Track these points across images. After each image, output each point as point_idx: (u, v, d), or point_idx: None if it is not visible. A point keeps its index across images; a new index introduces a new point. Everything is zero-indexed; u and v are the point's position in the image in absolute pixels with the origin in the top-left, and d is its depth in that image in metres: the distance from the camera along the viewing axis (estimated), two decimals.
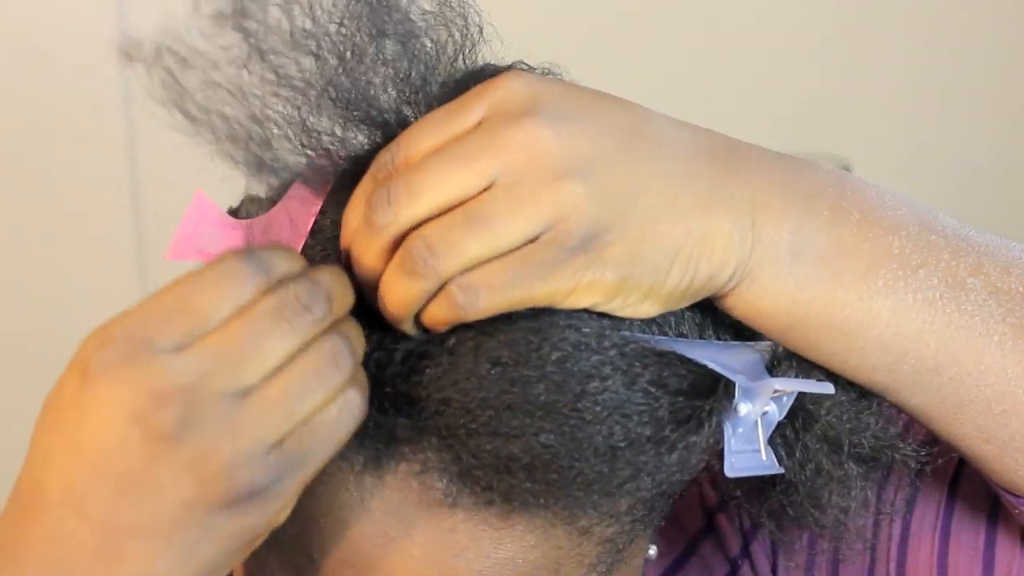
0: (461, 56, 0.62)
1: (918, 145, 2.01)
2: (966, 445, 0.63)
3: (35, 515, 0.53)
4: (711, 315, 0.63)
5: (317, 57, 0.57)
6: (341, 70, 0.58)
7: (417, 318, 0.58)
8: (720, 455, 0.62)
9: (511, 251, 0.55)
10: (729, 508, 0.78)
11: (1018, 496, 0.64)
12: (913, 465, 0.66)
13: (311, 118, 0.58)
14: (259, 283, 0.54)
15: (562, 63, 0.67)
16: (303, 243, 0.61)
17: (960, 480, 0.71)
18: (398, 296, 0.56)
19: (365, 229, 0.56)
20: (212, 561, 0.54)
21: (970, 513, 0.70)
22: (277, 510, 0.54)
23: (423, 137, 0.57)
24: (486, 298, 0.55)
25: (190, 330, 0.53)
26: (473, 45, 0.62)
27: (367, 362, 0.58)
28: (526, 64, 0.66)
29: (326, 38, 0.57)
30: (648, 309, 0.59)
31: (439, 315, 0.56)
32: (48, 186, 1.84)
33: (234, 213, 0.63)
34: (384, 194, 0.55)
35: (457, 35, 0.61)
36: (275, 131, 0.58)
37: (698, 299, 0.60)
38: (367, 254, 0.57)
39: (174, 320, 0.53)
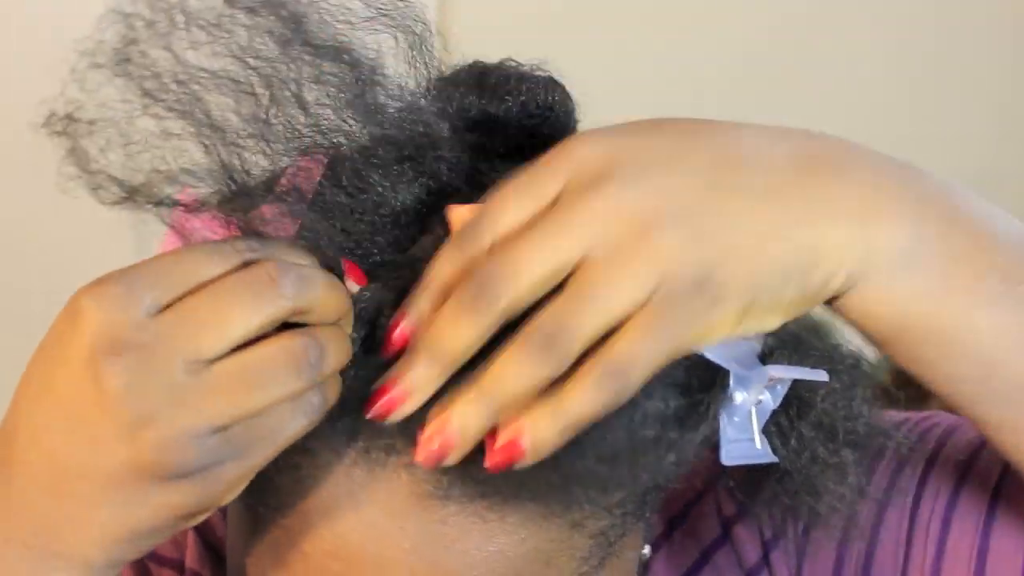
0: (417, 54, 0.61)
1: (918, 145, 2.00)
2: None
3: (6, 443, 0.56)
4: None
5: (236, 94, 0.56)
6: (265, 103, 0.56)
7: None
8: (715, 446, 0.62)
9: (631, 319, 0.55)
10: (748, 518, 0.78)
11: None
12: (904, 451, 0.66)
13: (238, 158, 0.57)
14: (247, 259, 0.54)
15: (559, 60, 0.66)
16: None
17: (1000, 494, 0.70)
18: (522, 383, 0.55)
19: (462, 309, 0.55)
20: (148, 526, 0.55)
21: (1012, 530, 0.70)
22: (216, 493, 0.55)
23: (507, 210, 0.56)
24: (636, 375, 0.55)
25: (168, 292, 0.53)
26: (423, 43, 0.61)
27: (355, 362, 0.58)
28: (515, 61, 0.66)
29: (243, 71, 0.56)
30: (772, 323, 0.58)
31: (588, 404, 0.55)
32: (48, 186, 1.84)
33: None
34: (485, 277, 0.55)
35: (402, 37, 0.60)
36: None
37: (816, 304, 0.59)
38: (462, 335, 0.55)
39: (159, 281, 0.53)
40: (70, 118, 0.55)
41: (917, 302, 0.58)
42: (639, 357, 0.55)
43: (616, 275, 0.54)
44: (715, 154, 0.57)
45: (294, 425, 0.55)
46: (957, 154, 2.02)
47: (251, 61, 0.56)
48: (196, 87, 0.55)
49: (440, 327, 0.56)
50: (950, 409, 0.63)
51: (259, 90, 0.56)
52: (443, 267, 0.57)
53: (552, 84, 0.67)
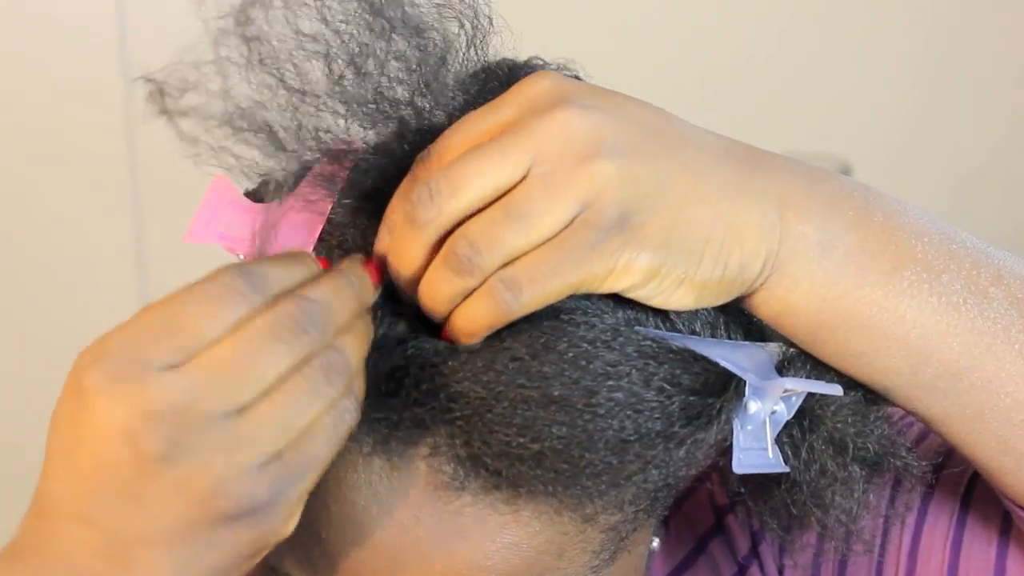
0: (473, 47, 0.63)
1: (918, 146, 2.01)
2: (983, 456, 0.63)
3: (48, 524, 0.54)
4: (723, 314, 0.64)
5: (326, 58, 0.58)
6: (351, 71, 0.58)
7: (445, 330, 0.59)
8: (728, 452, 0.63)
9: (550, 240, 0.56)
10: (738, 509, 0.78)
11: None
12: (916, 473, 0.66)
13: (317, 120, 0.59)
14: (254, 302, 0.54)
15: (580, 59, 0.67)
16: (319, 232, 0.62)
17: (974, 492, 0.71)
18: (442, 293, 0.57)
19: (408, 226, 0.57)
20: (219, 569, 0.54)
21: (982, 526, 0.70)
22: (281, 520, 0.54)
23: (459, 136, 0.58)
24: (529, 292, 0.56)
25: (183, 348, 0.52)
26: (484, 36, 0.63)
27: (378, 347, 0.59)
28: (541, 60, 0.67)
29: (336, 38, 0.58)
30: (682, 298, 0.59)
31: (482, 313, 0.57)
32: (48, 186, 1.84)
33: (252, 196, 0.63)
34: (426, 190, 0.56)
35: (468, 26, 0.62)
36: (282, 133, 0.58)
37: (732, 296, 0.60)
38: (410, 251, 0.57)
39: (167, 338, 0.52)
40: (163, 89, 0.56)
41: (834, 291, 0.60)
42: (538, 275, 0.56)
43: (546, 197, 0.56)
44: (654, 120, 0.59)
45: (338, 432, 0.55)
46: (958, 154, 2.03)
47: (341, 28, 0.58)
48: (290, 51, 0.57)
49: (393, 246, 0.58)
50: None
51: (343, 57, 0.58)
52: (397, 198, 0.59)
53: None
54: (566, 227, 0.56)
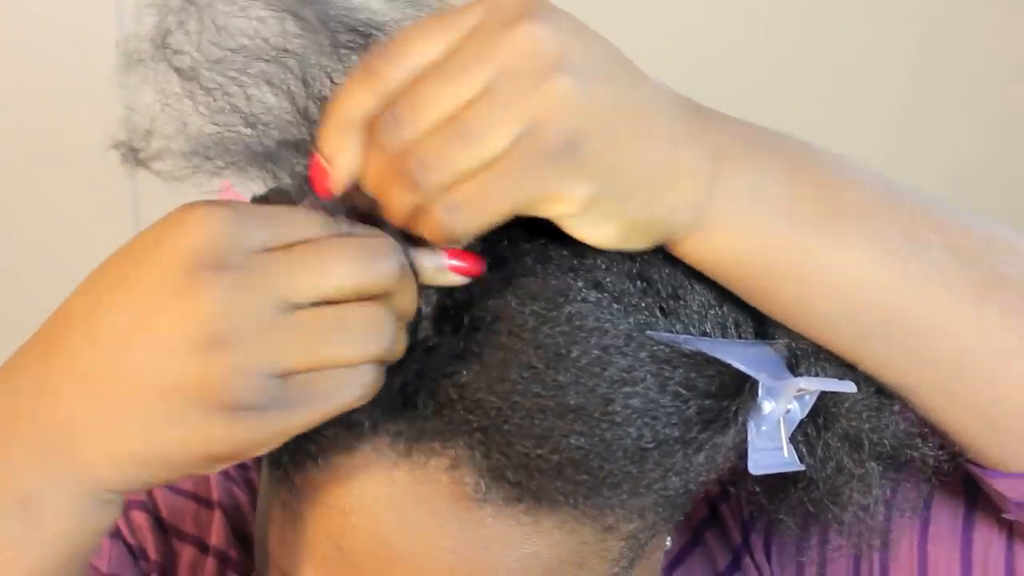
0: None
1: (915, 148, 2.01)
2: (941, 417, 0.63)
3: (58, 326, 0.55)
4: (731, 312, 0.64)
5: (277, 79, 0.58)
6: (300, 88, 0.58)
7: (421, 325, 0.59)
8: (743, 454, 0.63)
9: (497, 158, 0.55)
10: (731, 498, 0.79)
11: (990, 471, 0.64)
12: (932, 463, 0.66)
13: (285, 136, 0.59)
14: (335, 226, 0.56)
15: None
16: None
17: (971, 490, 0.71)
18: (395, 207, 0.56)
19: (374, 151, 0.56)
20: (174, 455, 0.54)
21: (949, 500, 0.71)
22: (251, 441, 0.54)
23: (420, 41, 0.56)
24: (466, 215, 0.55)
25: (278, 237, 0.54)
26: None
27: (399, 362, 0.59)
28: None
29: (280, 58, 0.58)
30: (608, 232, 0.59)
31: (431, 232, 0.56)
32: (48, 186, 1.84)
33: (262, 202, 0.64)
34: (390, 118, 0.55)
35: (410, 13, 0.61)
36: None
37: (657, 241, 0.60)
38: (377, 172, 0.57)
39: (273, 222, 0.54)
40: (131, 146, 0.57)
41: (766, 241, 0.60)
42: (479, 197, 0.55)
43: (499, 111, 0.55)
44: (620, 59, 0.58)
45: (349, 393, 0.55)
46: (957, 155, 2.03)
47: (279, 43, 0.58)
48: (233, 73, 0.57)
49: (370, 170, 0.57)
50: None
51: (292, 74, 0.58)
52: (353, 93, 0.57)
53: None
54: (508, 152, 0.55)
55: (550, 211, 0.57)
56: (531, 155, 0.55)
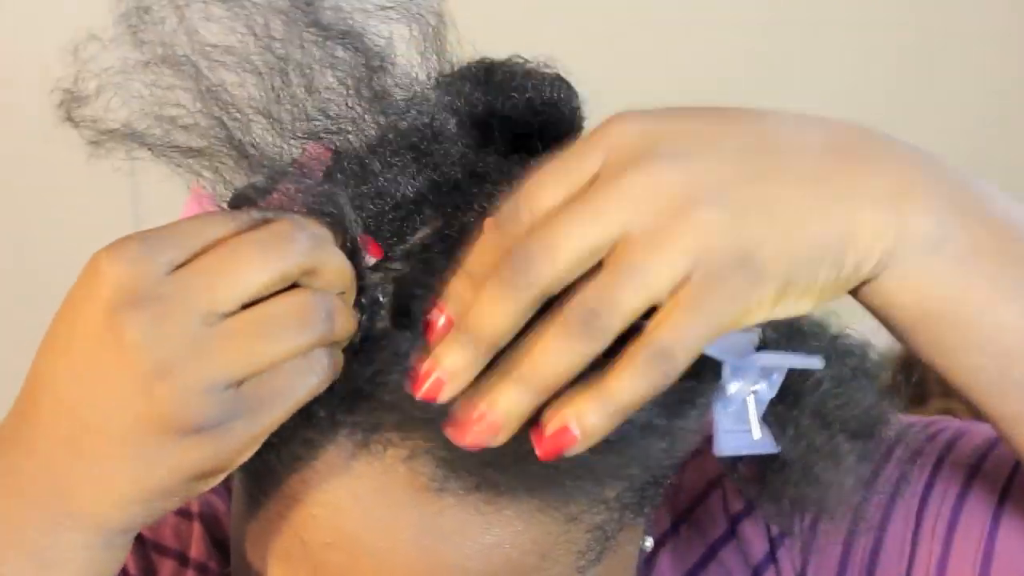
0: (431, 46, 0.61)
1: (913, 139, 2.01)
2: None
3: (29, 400, 0.56)
4: None
5: (254, 71, 0.58)
6: (279, 89, 0.58)
7: None
8: (711, 439, 0.62)
9: (671, 296, 0.55)
10: (755, 515, 0.78)
11: None
12: (912, 446, 0.66)
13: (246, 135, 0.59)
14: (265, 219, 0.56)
15: (561, 57, 0.66)
16: None
17: (1008, 497, 0.70)
18: (563, 363, 0.55)
19: (502, 289, 0.55)
20: (163, 486, 0.55)
21: (1020, 532, 0.70)
22: (228, 452, 0.55)
23: (545, 191, 0.56)
24: (681, 356, 0.55)
25: (185, 250, 0.54)
26: (439, 37, 0.61)
27: (355, 349, 0.58)
28: (521, 58, 0.66)
29: (257, 49, 0.58)
30: (804, 306, 0.59)
31: (642, 385, 0.55)
32: (48, 185, 1.84)
33: (233, 205, 0.63)
34: (523, 257, 0.55)
35: (416, 28, 0.61)
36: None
37: (848, 289, 0.60)
38: (503, 315, 0.56)
39: (176, 240, 0.55)
40: (72, 94, 0.57)
41: (940, 289, 0.59)
42: (684, 337, 0.55)
43: (656, 252, 0.54)
44: (751, 138, 0.58)
45: (305, 383, 0.55)
46: (958, 154, 2.02)
47: (263, 40, 0.57)
48: (204, 61, 0.57)
49: (479, 308, 0.56)
50: (958, 406, 0.63)
51: (268, 70, 0.58)
52: (482, 250, 0.57)
53: (558, 81, 0.67)
54: (684, 281, 0.55)
55: (752, 320, 0.57)
56: (712, 285, 0.55)
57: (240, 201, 0.60)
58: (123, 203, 1.81)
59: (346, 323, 0.57)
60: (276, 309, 0.55)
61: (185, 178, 0.59)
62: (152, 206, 1.83)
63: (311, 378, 0.55)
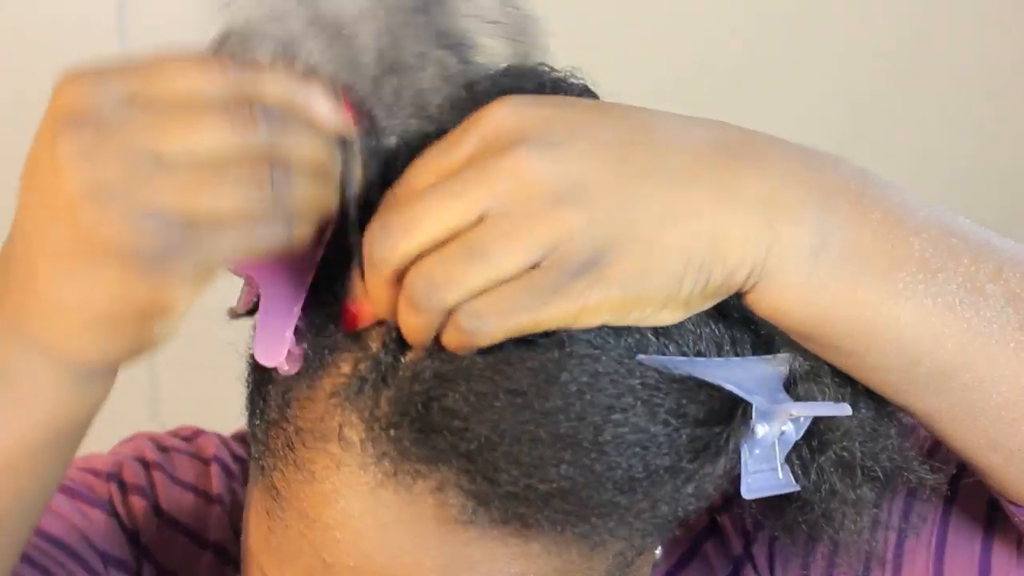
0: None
1: (917, 145, 2.01)
2: (973, 454, 0.62)
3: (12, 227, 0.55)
4: (728, 329, 0.62)
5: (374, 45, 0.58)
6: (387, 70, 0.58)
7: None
8: (736, 479, 0.62)
9: (513, 279, 0.55)
10: (732, 508, 0.78)
11: (1020, 505, 0.64)
12: (930, 485, 0.65)
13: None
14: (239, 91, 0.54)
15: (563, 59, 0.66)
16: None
17: (957, 492, 0.70)
18: (409, 327, 0.57)
19: (367, 263, 0.57)
20: (107, 313, 0.54)
21: (967, 524, 0.70)
22: (165, 288, 0.53)
23: (421, 171, 0.57)
24: (493, 323, 0.56)
25: (143, 87, 0.53)
26: (526, 56, 0.62)
27: (383, 379, 0.59)
28: (547, 67, 0.66)
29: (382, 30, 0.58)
30: (669, 317, 0.58)
31: (451, 343, 0.57)
32: None
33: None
34: (380, 228, 0.56)
35: (512, 46, 0.61)
36: None
37: (718, 300, 0.59)
38: (372, 287, 0.58)
39: (136, 74, 0.53)
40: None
41: (825, 294, 0.58)
42: (501, 313, 0.56)
43: (509, 240, 0.55)
44: (627, 133, 0.57)
45: (239, 245, 0.54)
46: (957, 154, 2.02)
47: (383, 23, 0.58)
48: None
49: (354, 281, 0.58)
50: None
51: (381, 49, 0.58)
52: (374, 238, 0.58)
53: (586, 93, 0.67)
54: (527, 272, 0.55)
55: (590, 321, 0.57)
56: (552, 277, 0.55)
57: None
58: None
59: (314, 199, 0.56)
60: (229, 163, 0.53)
61: None
62: None
63: (246, 241, 0.54)
